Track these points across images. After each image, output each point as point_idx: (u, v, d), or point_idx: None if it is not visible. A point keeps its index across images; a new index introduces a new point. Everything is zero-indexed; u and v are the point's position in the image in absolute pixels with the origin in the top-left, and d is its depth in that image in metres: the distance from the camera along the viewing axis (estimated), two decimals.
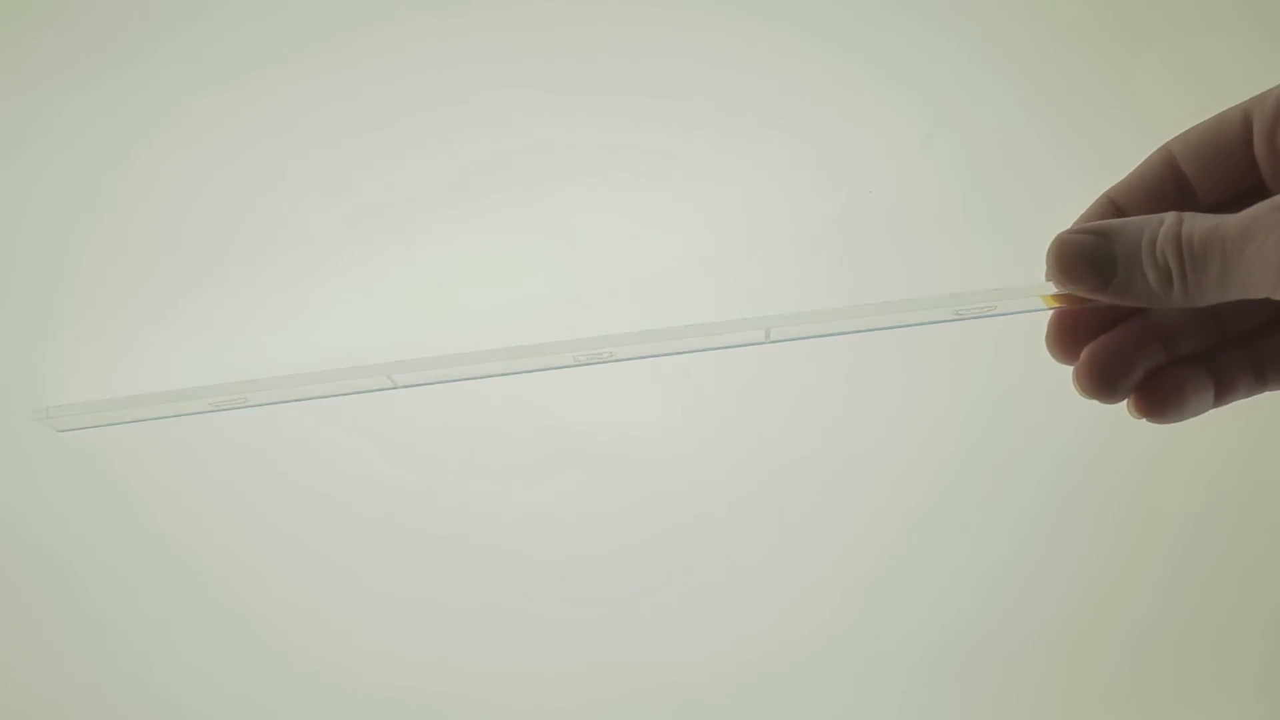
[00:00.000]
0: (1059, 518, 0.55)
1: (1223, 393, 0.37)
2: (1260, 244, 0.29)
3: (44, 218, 0.56)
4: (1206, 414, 0.42)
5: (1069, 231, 0.35)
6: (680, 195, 0.57)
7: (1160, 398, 0.37)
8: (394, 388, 0.50)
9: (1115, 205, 0.37)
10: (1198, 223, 0.32)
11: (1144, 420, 0.38)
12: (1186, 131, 0.35)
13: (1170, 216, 0.33)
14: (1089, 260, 0.34)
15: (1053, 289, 0.36)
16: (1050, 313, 0.39)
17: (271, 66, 0.57)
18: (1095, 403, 0.54)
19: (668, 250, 0.57)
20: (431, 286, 0.57)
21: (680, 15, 0.57)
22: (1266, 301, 0.31)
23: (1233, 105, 0.35)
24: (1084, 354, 0.38)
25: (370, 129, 0.57)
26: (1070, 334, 0.38)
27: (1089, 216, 0.37)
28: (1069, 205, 0.38)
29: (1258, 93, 0.34)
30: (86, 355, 0.55)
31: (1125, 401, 0.38)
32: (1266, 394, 0.55)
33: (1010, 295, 0.40)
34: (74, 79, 0.56)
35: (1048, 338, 0.39)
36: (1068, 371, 0.54)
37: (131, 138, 0.56)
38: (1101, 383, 0.37)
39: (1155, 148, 0.37)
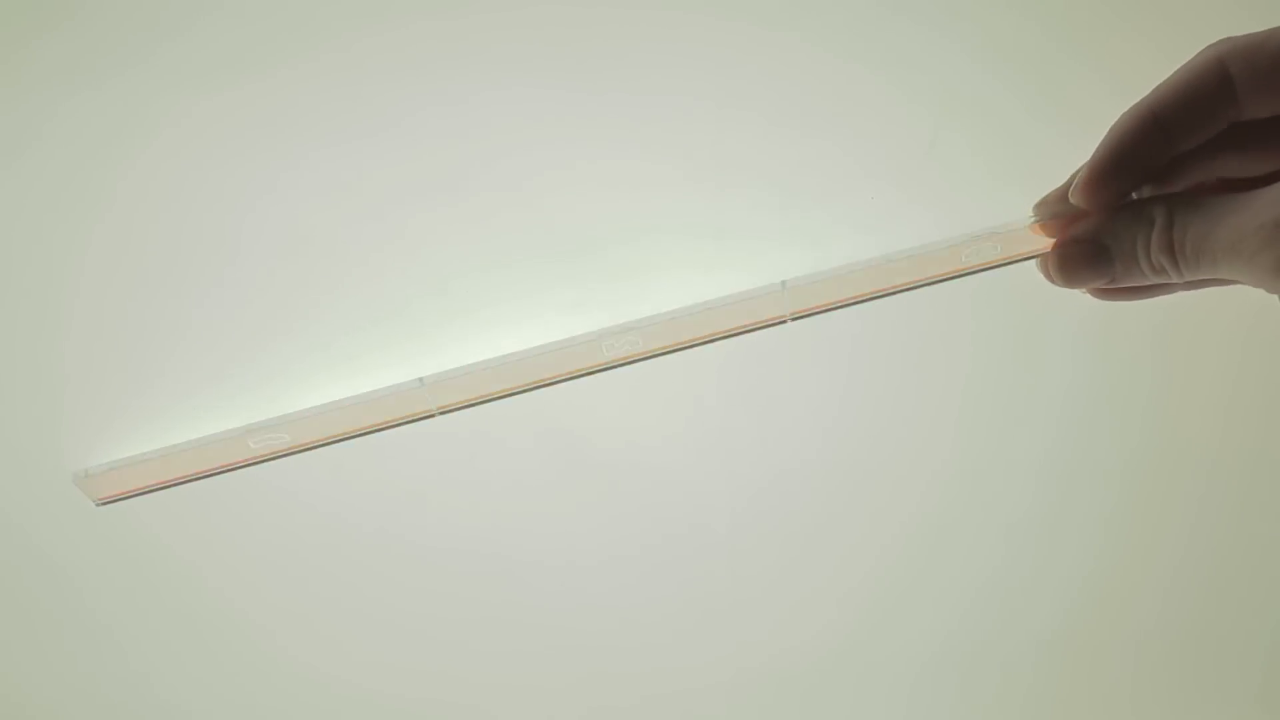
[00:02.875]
0: (1059, 522, 0.54)
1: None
2: (1248, 260, 0.31)
3: (41, 221, 0.56)
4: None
5: (1063, 243, 0.37)
6: (683, 196, 0.57)
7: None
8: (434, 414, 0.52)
9: (1156, 119, 0.35)
10: (1190, 229, 0.33)
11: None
12: (1247, 43, 0.33)
13: (1160, 216, 0.34)
14: (1090, 267, 0.37)
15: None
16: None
17: (271, 68, 0.56)
18: (1092, 407, 0.54)
19: (671, 252, 0.57)
20: (433, 289, 0.56)
21: (682, 16, 0.57)
22: None
23: None
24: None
25: (371, 131, 0.57)
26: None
27: (1127, 131, 0.36)
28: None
29: None
30: (84, 359, 0.55)
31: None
32: (1270, 407, 0.55)
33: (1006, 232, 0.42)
34: (71, 81, 0.56)
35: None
36: (1063, 375, 0.54)
37: (130, 140, 0.56)
38: (1071, 281, 0.39)
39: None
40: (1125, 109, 0.38)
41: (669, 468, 0.55)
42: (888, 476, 0.55)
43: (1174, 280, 0.35)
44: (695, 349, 0.54)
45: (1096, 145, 0.37)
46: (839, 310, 0.52)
